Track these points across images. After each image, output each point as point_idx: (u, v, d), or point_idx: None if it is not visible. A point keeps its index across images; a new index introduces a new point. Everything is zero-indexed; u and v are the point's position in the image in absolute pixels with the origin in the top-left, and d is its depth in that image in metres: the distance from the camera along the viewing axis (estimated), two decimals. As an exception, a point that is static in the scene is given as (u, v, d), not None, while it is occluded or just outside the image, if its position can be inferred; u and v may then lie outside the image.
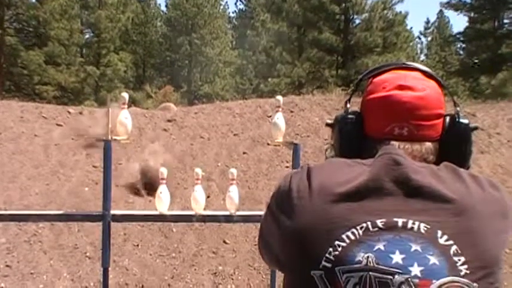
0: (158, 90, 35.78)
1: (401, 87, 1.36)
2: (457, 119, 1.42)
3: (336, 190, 1.23)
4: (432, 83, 1.41)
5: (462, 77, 35.60)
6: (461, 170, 1.29)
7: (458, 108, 1.43)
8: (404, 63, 1.47)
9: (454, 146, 1.40)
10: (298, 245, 1.24)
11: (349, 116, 1.47)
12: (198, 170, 4.16)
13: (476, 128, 1.47)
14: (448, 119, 1.41)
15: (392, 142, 1.34)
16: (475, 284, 1.15)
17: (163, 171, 4.07)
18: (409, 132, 1.34)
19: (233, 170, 4.17)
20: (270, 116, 12.88)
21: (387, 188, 1.22)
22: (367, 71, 1.53)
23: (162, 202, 4.00)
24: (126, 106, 3.91)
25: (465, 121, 1.42)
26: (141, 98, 35.11)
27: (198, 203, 4.05)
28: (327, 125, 1.58)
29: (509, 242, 1.29)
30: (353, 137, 1.45)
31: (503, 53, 32.67)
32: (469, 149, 1.44)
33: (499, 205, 1.24)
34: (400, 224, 1.18)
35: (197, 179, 4.12)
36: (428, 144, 1.36)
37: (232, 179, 4.10)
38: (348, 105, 1.50)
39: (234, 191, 4.05)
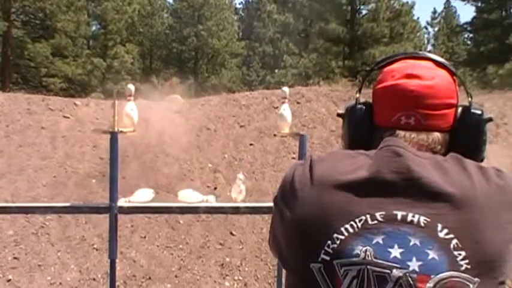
0: (165, 82, 35.78)
1: (409, 76, 1.35)
2: (469, 110, 1.39)
3: (335, 181, 1.22)
4: (443, 72, 1.39)
5: (469, 67, 35.50)
6: (468, 161, 1.26)
7: (470, 99, 1.40)
8: (415, 52, 1.45)
9: (466, 137, 1.37)
10: (298, 237, 1.23)
11: (359, 106, 1.46)
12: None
13: (490, 120, 1.43)
14: (460, 109, 1.38)
15: (399, 131, 1.32)
16: (476, 279, 1.13)
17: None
18: (416, 121, 1.32)
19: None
20: (277, 107, 12.87)
21: (387, 180, 1.20)
22: (378, 60, 1.51)
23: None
24: (132, 98, 3.91)
25: (478, 112, 1.40)
26: (147, 90, 35.11)
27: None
28: (338, 115, 1.56)
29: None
30: (362, 127, 1.43)
31: (510, 43, 32.53)
32: (482, 140, 1.41)
33: (506, 196, 1.21)
34: (399, 216, 1.16)
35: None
36: (436, 134, 1.34)
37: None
38: (358, 95, 1.49)
39: None
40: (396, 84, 1.35)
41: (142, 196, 4.18)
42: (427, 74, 1.35)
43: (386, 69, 1.44)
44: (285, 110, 4.00)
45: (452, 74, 1.40)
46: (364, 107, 1.45)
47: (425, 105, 1.32)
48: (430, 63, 1.40)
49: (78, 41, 36.67)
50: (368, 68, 1.54)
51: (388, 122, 1.36)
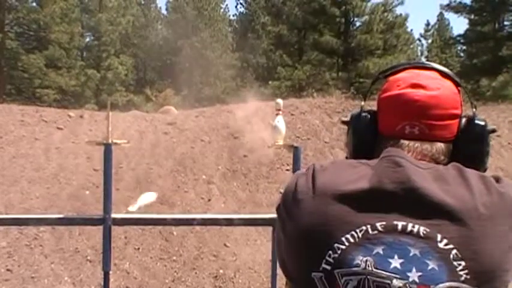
0: (159, 94, 35.81)
1: (414, 86, 1.35)
2: (473, 120, 1.39)
3: (337, 192, 1.22)
4: (448, 82, 1.39)
5: (463, 79, 35.44)
6: (469, 170, 1.25)
7: (475, 109, 1.40)
8: (421, 62, 1.46)
9: (469, 147, 1.38)
10: (299, 246, 1.24)
11: (364, 114, 1.46)
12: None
13: (494, 131, 1.45)
14: (464, 119, 1.39)
15: (402, 141, 1.33)
16: None
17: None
18: (421, 131, 1.33)
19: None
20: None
21: (388, 190, 1.20)
22: (383, 69, 1.52)
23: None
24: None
25: (481, 123, 1.40)
26: (141, 101, 35.20)
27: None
28: (342, 122, 1.56)
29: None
30: (367, 135, 1.44)
31: (503, 55, 32.69)
32: (485, 150, 1.42)
33: (506, 205, 1.21)
34: (399, 227, 1.16)
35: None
36: (440, 145, 1.34)
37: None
38: (363, 103, 1.50)
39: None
40: (401, 93, 1.36)
41: (147, 198, 4.20)
42: (432, 84, 1.35)
43: (391, 78, 1.44)
44: (279, 122, 4.00)
45: (456, 84, 1.41)
46: (368, 115, 1.46)
47: (429, 116, 1.33)
48: (435, 73, 1.41)
49: (72, 52, 36.70)
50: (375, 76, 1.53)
51: (393, 131, 1.36)
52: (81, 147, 11.45)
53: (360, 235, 1.17)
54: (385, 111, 1.41)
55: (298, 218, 1.25)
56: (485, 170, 1.39)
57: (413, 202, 1.18)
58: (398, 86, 1.38)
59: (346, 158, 1.52)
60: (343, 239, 1.18)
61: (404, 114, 1.34)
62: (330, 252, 1.18)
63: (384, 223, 1.17)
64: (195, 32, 42.84)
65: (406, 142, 1.33)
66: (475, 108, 1.41)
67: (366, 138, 1.44)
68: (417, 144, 1.33)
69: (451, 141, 1.37)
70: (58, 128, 12.37)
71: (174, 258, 9.06)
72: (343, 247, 1.17)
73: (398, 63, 1.51)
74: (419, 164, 1.25)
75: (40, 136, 11.89)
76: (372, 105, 1.47)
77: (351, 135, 1.50)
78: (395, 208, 1.19)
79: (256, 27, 43.70)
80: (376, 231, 1.17)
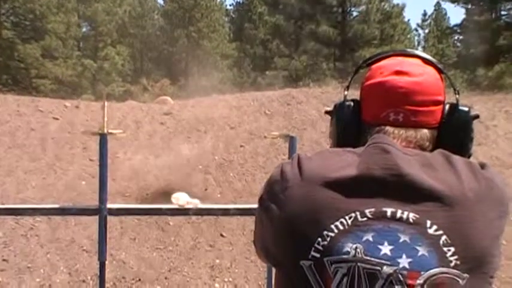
0: (155, 84, 35.71)
1: (398, 73, 1.36)
2: (457, 107, 1.40)
3: (325, 178, 1.22)
4: (431, 69, 1.39)
5: (459, 69, 35.65)
6: (456, 157, 1.26)
7: (458, 95, 1.41)
8: (403, 50, 1.46)
9: (453, 134, 1.38)
10: (288, 234, 1.23)
11: (347, 103, 1.46)
12: None
13: (477, 117, 1.45)
14: (447, 106, 1.39)
15: (387, 128, 1.33)
16: (465, 275, 1.13)
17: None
18: (405, 118, 1.34)
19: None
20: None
21: (376, 176, 1.20)
22: (366, 58, 1.52)
23: None
24: None
25: (465, 109, 1.41)
26: (138, 92, 35.13)
27: None
28: (326, 112, 1.56)
29: (507, 233, 1.28)
30: (351, 124, 1.45)
31: (500, 45, 32.68)
32: (469, 137, 1.43)
33: (493, 192, 1.22)
34: (389, 213, 1.16)
35: None
36: (425, 131, 1.35)
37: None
38: (346, 92, 1.50)
39: None
40: (385, 80, 1.36)
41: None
42: (416, 71, 1.36)
43: (374, 66, 1.45)
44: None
45: (439, 71, 1.41)
46: (352, 104, 1.46)
47: (413, 102, 1.33)
48: (418, 61, 1.41)
49: (69, 42, 36.62)
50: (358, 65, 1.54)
51: (377, 119, 1.36)
52: (77, 137, 11.43)
53: (349, 222, 1.17)
54: (369, 99, 1.41)
55: (285, 205, 1.25)
56: (469, 156, 1.40)
57: (402, 188, 1.18)
58: (382, 73, 1.39)
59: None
60: (333, 226, 1.18)
61: (388, 101, 1.35)
62: (319, 239, 1.18)
63: (373, 210, 1.18)
64: (192, 22, 42.73)
65: (391, 129, 1.33)
66: (458, 94, 1.42)
67: (350, 127, 1.44)
68: (402, 131, 1.33)
69: (436, 127, 1.37)
70: (54, 118, 12.35)
71: (170, 248, 9.07)
72: (333, 234, 1.17)
73: (381, 52, 1.51)
74: (406, 151, 1.26)
75: (36, 126, 11.87)
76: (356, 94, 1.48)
77: (334, 125, 1.50)
78: (384, 194, 1.19)
79: (253, 17, 43.60)
80: (365, 218, 1.17)
